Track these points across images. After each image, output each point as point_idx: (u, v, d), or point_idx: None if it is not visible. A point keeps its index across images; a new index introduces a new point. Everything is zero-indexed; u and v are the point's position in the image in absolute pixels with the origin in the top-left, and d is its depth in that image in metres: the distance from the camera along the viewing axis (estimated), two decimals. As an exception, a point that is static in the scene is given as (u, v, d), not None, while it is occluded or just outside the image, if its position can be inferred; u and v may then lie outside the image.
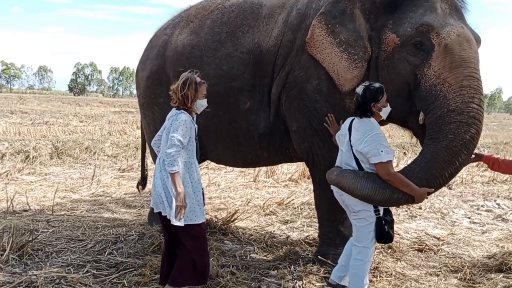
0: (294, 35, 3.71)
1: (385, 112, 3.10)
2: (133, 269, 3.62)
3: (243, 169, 8.41)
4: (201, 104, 3.13)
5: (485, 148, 13.60)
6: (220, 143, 4.15)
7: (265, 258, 4.14)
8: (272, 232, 4.93)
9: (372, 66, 3.43)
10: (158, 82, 4.24)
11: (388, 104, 3.09)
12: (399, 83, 3.26)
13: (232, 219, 4.92)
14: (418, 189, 2.97)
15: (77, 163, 8.78)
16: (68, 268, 3.59)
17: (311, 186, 4.70)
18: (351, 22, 3.45)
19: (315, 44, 3.49)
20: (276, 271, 3.80)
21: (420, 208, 6.24)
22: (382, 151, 2.96)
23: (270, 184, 7.67)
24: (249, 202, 6.14)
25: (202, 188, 3.16)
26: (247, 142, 4.03)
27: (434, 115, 3.11)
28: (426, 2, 3.27)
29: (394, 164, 4.51)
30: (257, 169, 7.73)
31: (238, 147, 4.10)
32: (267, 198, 6.41)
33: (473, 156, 3.16)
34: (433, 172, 3.02)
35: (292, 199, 6.29)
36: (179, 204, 2.87)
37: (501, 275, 3.84)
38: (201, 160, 4.48)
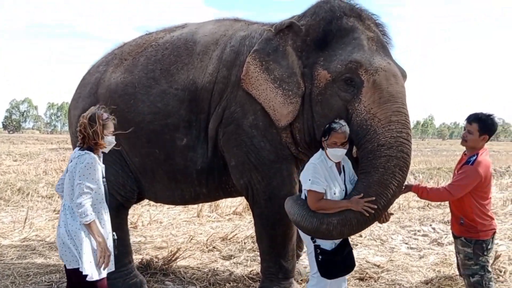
0: (229, 71, 3.76)
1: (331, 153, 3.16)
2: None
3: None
4: (110, 141, 2.99)
5: (420, 173, 14.23)
6: (157, 181, 4.07)
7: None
8: (215, 269, 4.85)
9: (306, 101, 3.52)
10: (92, 120, 4.12)
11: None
12: (332, 117, 3.35)
13: (173, 258, 4.80)
14: (349, 200, 3.08)
15: (8, 205, 8.27)
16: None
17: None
18: (284, 59, 3.55)
19: (251, 80, 3.55)
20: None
21: (361, 236, 6.37)
22: (309, 180, 3.08)
23: (214, 218, 7.58)
24: (191, 239, 6.01)
25: (113, 235, 3.02)
26: (185, 179, 3.98)
27: (365, 149, 3.22)
28: (354, 40, 3.41)
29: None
30: (200, 204, 7.64)
31: (176, 184, 4.03)
32: (210, 234, 6.31)
33: (404, 187, 3.27)
34: (369, 206, 3.10)
35: (236, 233, 6.23)
36: (102, 254, 2.74)
37: (438, 299, 3.95)
38: (138, 199, 4.38)
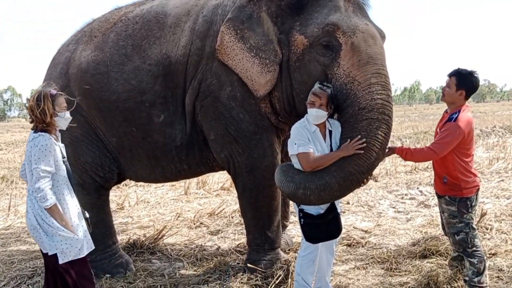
0: (203, 42, 3.64)
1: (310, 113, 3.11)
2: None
3: (174, 183, 8.22)
4: (64, 117, 2.83)
5: (407, 138, 14.28)
6: (136, 159, 3.98)
7: (195, 273, 4.02)
8: (203, 245, 4.83)
9: (284, 69, 3.43)
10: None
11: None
12: (311, 83, 3.26)
13: (159, 236, 4.77)
14: (338, 150, 3.06)
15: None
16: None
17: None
18: (259, 26, 3.44)
19: (226, 50, 3.44)
20: (206, 285, 3.70)
21: (348, 203, 6.39)
22: (295, 144, 3.06)
23: (202, 195, 7.55)
24: (179, 216, 5.98)
25: (84, 213, 2.93)
26: (164, 156, 3.90)
27: (346, 113, 3.16)
28: (330, 2, 3.30)
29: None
30: (187, 181, 7.59)
31: (155, 162, 3.95)
32: (198, 210, 6.28)
33: (387, 150, 3.23)
34: (349, 170, 3.05)
35: (223, 208, 6.20)
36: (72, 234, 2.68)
37: (425, 261, 3.99)
38: (120, 179, 4.31)
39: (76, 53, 4.00)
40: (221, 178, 8.48)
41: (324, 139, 3.17)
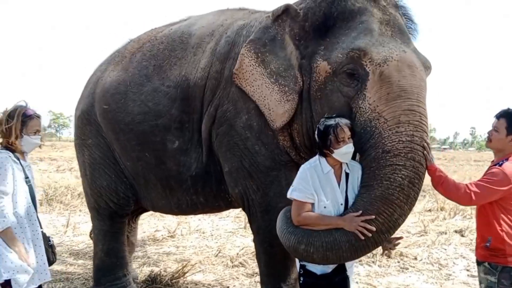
0: (222, 65, 3.31)
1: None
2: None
3: (239, 214, 7.93)
4: (30, 141, 2.64)
5: None
6: (151, 188, 3.71)
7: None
8: (229, 286, 4.38)
9: (304, 98, 2.96)
10: (87, 121, 3.89)
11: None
12: None
13: (182, 272, 4.43)
14: (342, 217, 2.48)
15: (66, 209, 8.51)
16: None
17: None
18: (282, 49, 3.02)
19: (245, 75, 3.06)
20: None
21: (415, 258, 5.53)
22: (292, 187, 2.57)
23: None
24: (219, 253, 5.59)
25: (49, 239, 2.69)
26: (179, 186, 3.58)
27: (368, 156, 2.59)
28: (361, 24, 2.80)
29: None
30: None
31: (170, 192, 3.65)
32: (244, 247, 5.85)
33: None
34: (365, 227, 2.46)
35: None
36: (24, 264, 2.41)
37: None
38: (141, 208, 4.07)
39: (105, 73, 3.91)
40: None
41: (339, 183, 2.60)
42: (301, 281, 2.65)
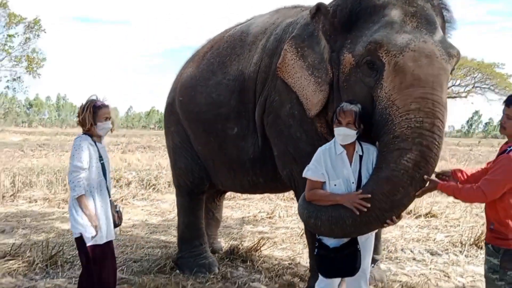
0: (271, 60, 3.69)
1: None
2: (122, 284, 3.92)
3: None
4: (103, 127, 3.24)
5: None
6: (218, 169, 4.27)
7: (261, 286, 4.09)
8: (296, 263, 4.76)
9: (335, 89, 3.22)
10: (171, 112, 4.59)
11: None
12: None
13: (257, 247, 4.93)
14: (343, 195, 2.76)
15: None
16: (71, 279, 4.07)
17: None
18: (317, 44, 3.31)
19: (287, 68, 3.41)
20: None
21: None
22: (308, 167, 2.92)
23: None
24: (303, 233, 5.95)
25: (116, 206, 3.29)
26: (240, 168, 4.06)
27: (382, 142, 2.81)
28: (383, 17, 2.95)
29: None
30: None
31: (233, 173, 4.15)
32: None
33: (428, 184, 2.70)
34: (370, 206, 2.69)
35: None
36: (92, 224, 3.08)
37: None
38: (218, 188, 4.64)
39: (185, 70, 4.56)
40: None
41: (350, 163, 2.85)
42: (315, 252, 2.95)
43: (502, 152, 2.58)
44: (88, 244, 3.14)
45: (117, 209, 3.37)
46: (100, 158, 3.28)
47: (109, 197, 3.33)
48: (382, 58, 2.83)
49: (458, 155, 21.72)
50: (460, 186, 2.66)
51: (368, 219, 2.71)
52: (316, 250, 2.95)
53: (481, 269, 3.81)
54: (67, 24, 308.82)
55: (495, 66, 31.84)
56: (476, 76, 32.16)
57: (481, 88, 30.96)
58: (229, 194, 8.57)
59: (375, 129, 2.85)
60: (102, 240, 3.20)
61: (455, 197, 2.71)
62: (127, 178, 10.09)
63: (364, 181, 2.81)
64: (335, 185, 2.83)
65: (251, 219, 7.12)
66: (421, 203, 7.92)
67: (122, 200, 8.33)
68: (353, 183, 2.82)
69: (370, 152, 2.86)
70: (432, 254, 5.22)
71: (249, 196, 8.68)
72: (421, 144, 2.64)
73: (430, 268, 4.70)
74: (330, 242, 2.88)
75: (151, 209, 7.85)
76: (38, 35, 19.96)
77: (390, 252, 5.25)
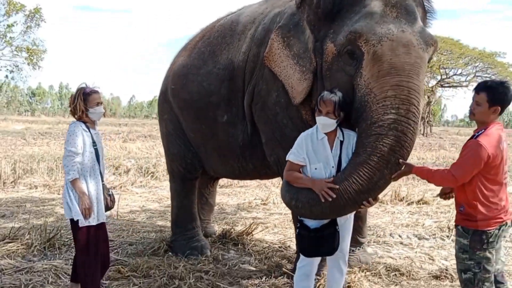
0: (259, 49, 3.80)
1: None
2: (116, 265, 4.08)
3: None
4: (95, 111, 3.34)
5: None
6: (209, 155, 4.41)
7: (251, 268, 4.22)
8: (286, 246, 4.91)
9: (318, 77, 3.34)
10: (164, 100, 4.72)
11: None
12: None
13: (249, 231, 5.09)
14: (314, 180, 2.90)
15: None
16: (68, 261, 4.22)
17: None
18: (302, 34, 3.42)
19: (273, 57, 3.52)
20: (247, 280, 3.88)
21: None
22: (290, 151, 3.07)
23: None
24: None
25: (108, 190, 3.44)
26: (231, 154, 4.20)
27: (360, 128, 2.95)
28: (364, 8, 3.06)
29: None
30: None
31: (224, 159, 4.29)
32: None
33: (403, 168, 2.83)
34: (345, 187, 2.83)
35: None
36: (83, 206, 3.21)
37: None
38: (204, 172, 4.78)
39: (177, 59, 4.69)
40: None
41: (331, 148, 2.98)
42: (297, 232, 3.10)
43: (470, 138, 2.71)
44: (80, 225, 3.28)
45: (109, 192, 3.50)
46: (94, 143, 3.40)
47: (102, 181, 3.46)
48: (362, 48, 2.94)
49: (458, 144, 21.88)
50: (433, 170, 2.79)
51: (345, 201, 2.85)
52: (297, 231, 3.10)
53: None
54: (68, 13, 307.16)
55: (496, 55, 31.84)
56: (477, 65, 32.15)
57: (482, 78, 30.81)
58: (226, 181, 8.81)
59: (355, 116, 2.98)
60: (94, 222, 3.33)
61: (428, 181, 2.85)
62: (126, 166, 10.28)
63: (343, 165, 2.95)
64: (315, 168, 2.97)
65: (246, 205, 7.28)
66: (414, 190, 8.10)
67: (121, 187, 8.51)
68: (333, 167, 2.96)
69: (351, 138, 2.99)
70: (419, 238, 5.39)
71: (245, 183, 8.85)
72: (396, 130, 2.77)
73: (416, 252, 4.86)
74: (311, 223, 3.02)
75: (149, 196, 8.03)
76: (38, 25, 19.97)
77: (379, 236, 5.41)
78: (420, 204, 7.33)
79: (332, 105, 2.90)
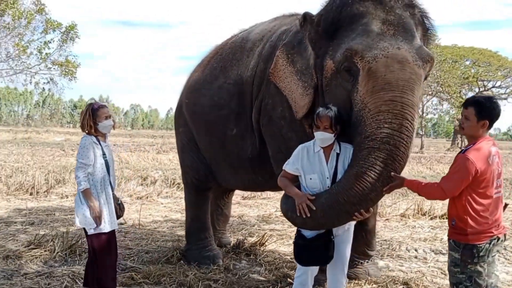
0: (266, 65, 3.94)
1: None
2: (130, 272, 4.25)
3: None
4: (104, 125, 3.55)
5: None
6: (220, 167, 4.55)
7: (260, 278, 4.31)
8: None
9: (320, 93, 3.46)
10: (179, 113, 4.93)
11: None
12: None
13: (261, 242, 5.18)
14: (297, 191, 3.05)
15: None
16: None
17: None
18: (305, 51, 3.55)
19: (278, 73, 3.65)
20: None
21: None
22: (288, 161, 3.20)
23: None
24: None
25: (118, 199, 3.60)
26: (240, 167, 4.34)
27: (355, 141, 3.04)
28: (361, 26, 3.17)
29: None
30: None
31: (234, 171, 4.43)
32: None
33: (395, 181, 2.89)
34: (337, 199, 2.93)
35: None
36: (94, 215, 3.40)
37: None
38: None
39: (192, 74, 4.89)
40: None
41: (327, 161, 3.07)
42: (294, 242, 3.21)
43: (459, 152, 2.74)
44: (89, 233, 3.47)
45: (119, 201, 3.70)
46: (104, 155, 3.61)
47: (112, 191, 3.65)
48: (358, 64, 3.04)
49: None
50: (423, 184, 2.84)
51: (338, 213, 2.94)
52: (294, 240, 3.19)
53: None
54: (109, 28, 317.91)
55: (535, 67, 30.90)
56: (516, 78, 31.28)
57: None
58: (249, 193, 8.92)
59: (352, 130, 3.06)
60: (106, 229, 3.52)
61: (419, 194, 2.89)
62: (153, 177, 10.55)
63: (339, 176, 3.04)
64: (310, 178, 3.08)
65: (266, 217, 7.37)
66: (438, 204, 7.98)
67: (147, 197, 8.77)
68: (327, 178, 3.06)
69: (347, 151, 3.08)
70: (435, 253, 5.33)
71: (268, 195, 8.94)
72: (389, 143, 2.84)
73: (429, 266, 4.82)
74: (308, 233, 3.12)
75: (173, 206, 8.24)
76: (73, 40, 20.90)
77: (393, 250, 5.39)
78: (442, 218, 7.20)
79: (328, 120, 3.00)
